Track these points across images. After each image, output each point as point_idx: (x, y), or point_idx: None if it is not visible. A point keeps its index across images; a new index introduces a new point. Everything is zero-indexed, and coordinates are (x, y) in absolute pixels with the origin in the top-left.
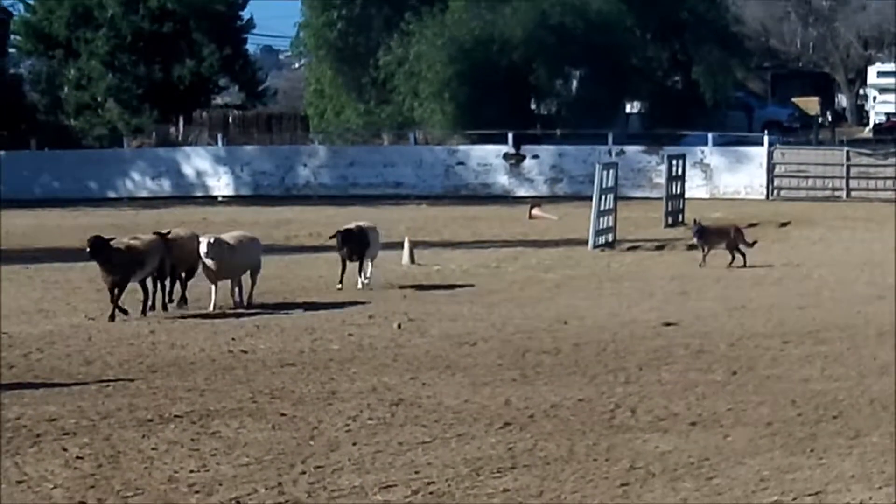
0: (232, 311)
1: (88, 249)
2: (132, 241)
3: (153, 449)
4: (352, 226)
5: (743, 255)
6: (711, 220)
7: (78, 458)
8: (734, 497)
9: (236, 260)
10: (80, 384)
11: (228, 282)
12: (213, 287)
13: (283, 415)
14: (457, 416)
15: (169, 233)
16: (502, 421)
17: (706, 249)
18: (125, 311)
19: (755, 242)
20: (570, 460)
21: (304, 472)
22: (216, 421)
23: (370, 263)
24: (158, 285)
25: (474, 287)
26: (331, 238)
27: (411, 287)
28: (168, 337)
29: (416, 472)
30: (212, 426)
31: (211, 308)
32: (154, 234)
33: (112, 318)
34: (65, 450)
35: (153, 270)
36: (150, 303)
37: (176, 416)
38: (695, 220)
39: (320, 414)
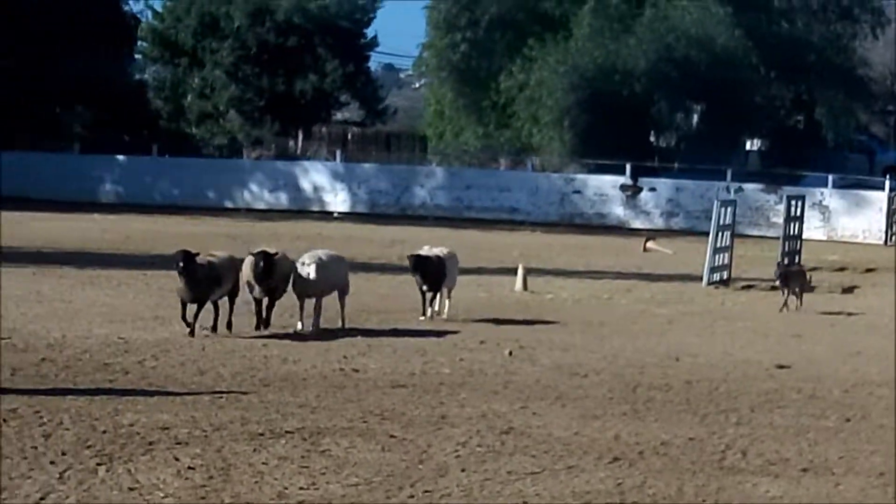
0: (341, 329)
1: (181, 263)
2: (210, 258)
3: (264, 463)
4: (429, 252)
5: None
6: (827, 263)
7: (189, 468)
8: None
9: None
10: (194, 394)
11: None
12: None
13: (392, 436)
14: (566, 448)
15: (276, 253)
16: (612, 455)
17: (787, 293)
18: (192, 331)
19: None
20: (679, 500)
21: (412, 496)
22: (327, 439)
23: (448, 295)
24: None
25: (586, 318)
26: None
27: (523, 314)
28: (280, 351)
29: (525, 503)
30: (322, 444)
31: (299, 327)
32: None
33: (192, 333)
34: (177, 459)
35: (228, 290)
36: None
37: (287, 431)
38: (778, 264)
39: (430, 438)
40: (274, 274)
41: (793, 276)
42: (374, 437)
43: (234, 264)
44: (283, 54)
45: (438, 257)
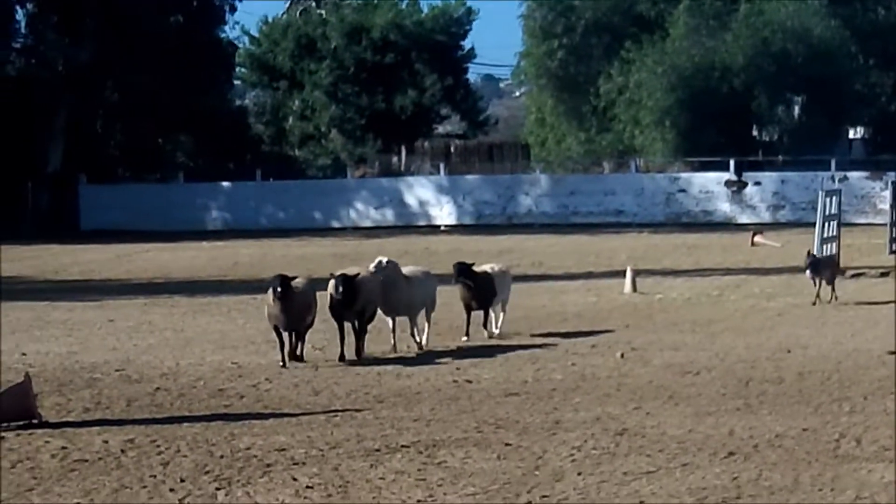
0: (454, 344)
1: (280, 289)
2: (296, 283)
3: (381, 479)
4: (480, 267)
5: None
6: None
7: (308, 487)
8: None
9: (414, 295)
10: (309, 414)
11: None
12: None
13: (507, 444)
14: (681, 446)
15: (358, 274)
16: (726, 451)
17: (819, 283)
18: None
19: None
20: (796, 490)
21: (529, 502)
22: (442, 451)
23: (501, 312)
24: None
25: (696, 316)
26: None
27: (633, 316)
28: (393, 367)
29: (641, 502)
30: (438, 456)
31: (390, 348)
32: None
33: (284, 363)
34: (295, 479)
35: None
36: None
37: (403, 445)
38: (808, 252)
39: (545, 444)
40: (358, 296)
41: (823, 266)
42: (490, 446)
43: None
44: (382, 71)
45: (486, 273)
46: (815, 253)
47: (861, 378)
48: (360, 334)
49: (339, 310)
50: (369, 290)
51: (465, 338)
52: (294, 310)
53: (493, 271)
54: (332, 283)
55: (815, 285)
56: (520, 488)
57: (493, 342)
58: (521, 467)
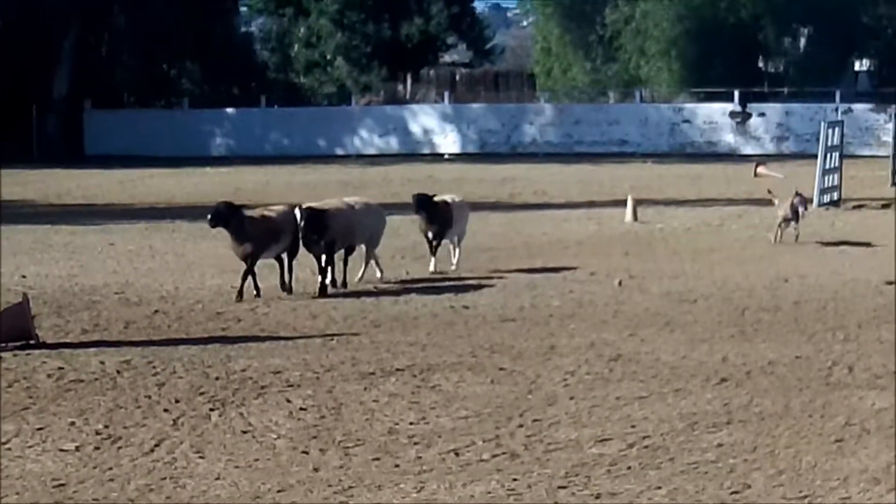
0: (454, 271)
1: (210, 217)
2: (266, 212)
3: (374, 401)
4: (437, 197)
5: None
6: None
7: (301, 409)
8: None
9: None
10: (305, 338)
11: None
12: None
13: (501, 369)
14: (674, 372)
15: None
16: (719, 377)
17: (781, 224)
18: (258, 290)
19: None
20: (786, 416)
21: (521, 426)
22: (436, 375)
23: (458, 244)
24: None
25: (696, 246)
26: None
27: (634, 245)
28: (391, 293)
29: (632, 427)
30: (432, 380)
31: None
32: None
33: (240, 295)
34: (289, 401)
35: (287, 245)
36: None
37: (397, 369)
38: (797, 192)
39: (539, 369)
40: (326, 230)
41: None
42: (484, 370)
43: (294, 217)
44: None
45: (446, 202)
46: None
47: (857, 307)
48: (322, 269)
49: (307, 242)
50: (340, 224)
51: (431, 269)
52: (245, 237)
53: (452, 202)
54: (286, 208)
55: (778, 230)
56: (512, 412)
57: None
58: (514, 391)
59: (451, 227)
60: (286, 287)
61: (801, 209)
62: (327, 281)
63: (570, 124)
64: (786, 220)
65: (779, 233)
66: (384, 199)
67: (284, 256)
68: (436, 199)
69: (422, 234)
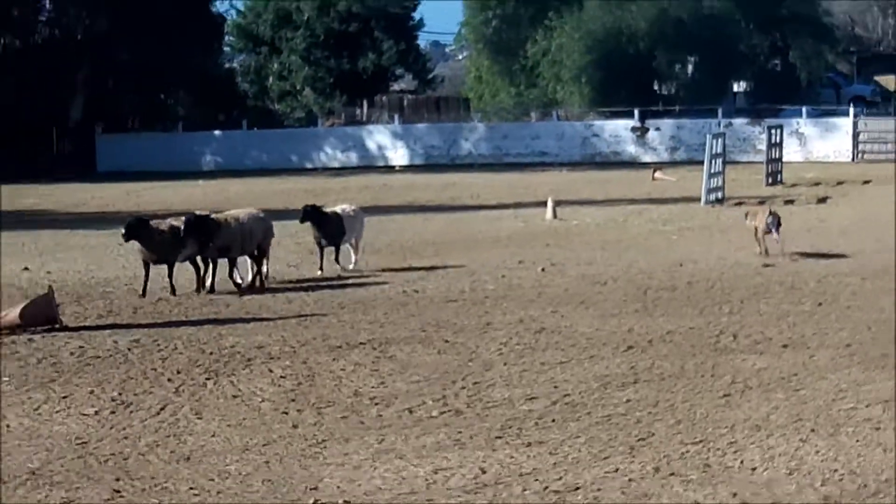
0: (352, 270)
1: (124, 231)
2: (174, 223)
3: (342, 370)
4: (338, 208)
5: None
6: (805, 181)
7: (281, 377)
8: (817, 406)
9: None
10: (283, 318)
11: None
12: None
13: (446, 342)
14: (589, 342)
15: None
16: (626, 345)
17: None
18: (173, 290)
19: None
20: (682, 376)
21: (463, 388)
22: (393, 347)
23: (351, 249)
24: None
25: (605, 238)
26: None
27: (554, 238)
28: (354, 280)
29: (555, 387)
30: (389, 351)
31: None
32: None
33: (173, 292)
34: (270, 371)
35: (194, 252)
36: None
37: (360, 343)
38: (771, 211)
39: (477, 341)
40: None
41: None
42: (432, 343)
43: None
44: (347, 38)
45: (336, 213)
46: (771, 209)
47: (740, 285)
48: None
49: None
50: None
51: (319, 271)
52: (154, 246)
53: (342, 212)
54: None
55: (761, 245)
56: (455, 377)
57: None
58: (457, 360)
59: (344, 233)
60: (199, 287)
61: (773, 230)
62: (208, 282)
63: (499, 139)
64: (766, 232)
65: (762, 244)
66: (346, 202)
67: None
68: (327, 210)
69: (314, 241)
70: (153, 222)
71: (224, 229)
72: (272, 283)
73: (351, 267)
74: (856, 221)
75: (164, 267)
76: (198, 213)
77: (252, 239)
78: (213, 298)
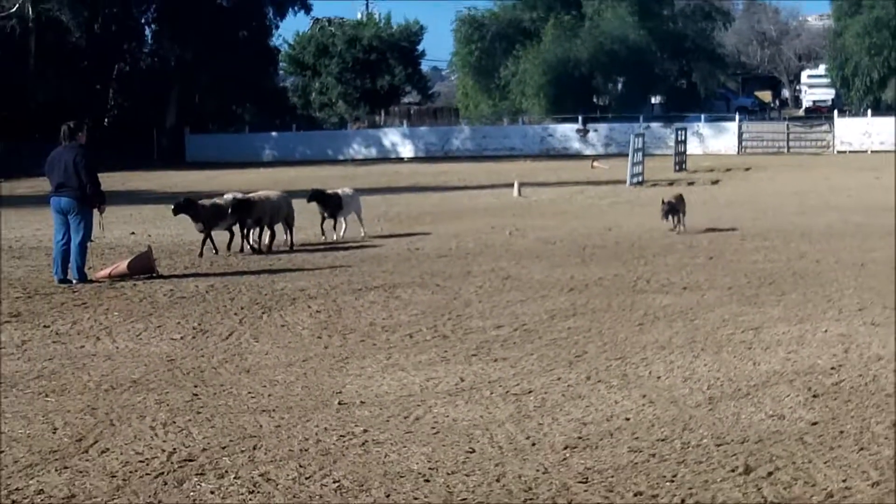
0: (364, 237)
1: (173, 207)
2: (217, 201)
3: (361, 306)
4: (330, 192)
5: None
6: (703, 168)
7: (317, 311)
8: (706, 331)
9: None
10: (319, 269)
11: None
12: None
13: (438, 285)
14: (542, 285)
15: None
16: (568, 288)
17: (675, 220)
18: (215, 250)
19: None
20: (608, 310)
21: (449, 319)
22: (399, 290)
23: (350, 222)
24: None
25: (555, 210)
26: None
27: (518, 210)
28: (371, 242)
29: (516, 318)
30: (396, 292)
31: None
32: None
33: (200, 254)
34: (309, 307)
35: (232, 223)
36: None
37: (375, 286)
38: (663, 200)
39: (460, 285)
40: (251, 210)
41: (678, 204)
42: (427, 286)
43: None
44: (369, 64)
45: (336, 193)
46: (664, 199)
47: (653, 245)
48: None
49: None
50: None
51: (323, 237)
52: (198, 218)
53: (342, 193)
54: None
55: (673, 224)
56: (444, 311)
57: (424, 227)
58: (446, 298)
59: (341, 209)
60: (242, 248)
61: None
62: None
63: (480, 138)
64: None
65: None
66: (368, 185)
67: (235, 229)
68: (330, 191)
69: (319, 214)
70: (201, 201)
71: (257, 206)
72: (308, 244)
73: (363, 235)
74: (738, 197)
75: (224, 233)
76: (238, 195)
77: (279, 213)
78: (267, 256)
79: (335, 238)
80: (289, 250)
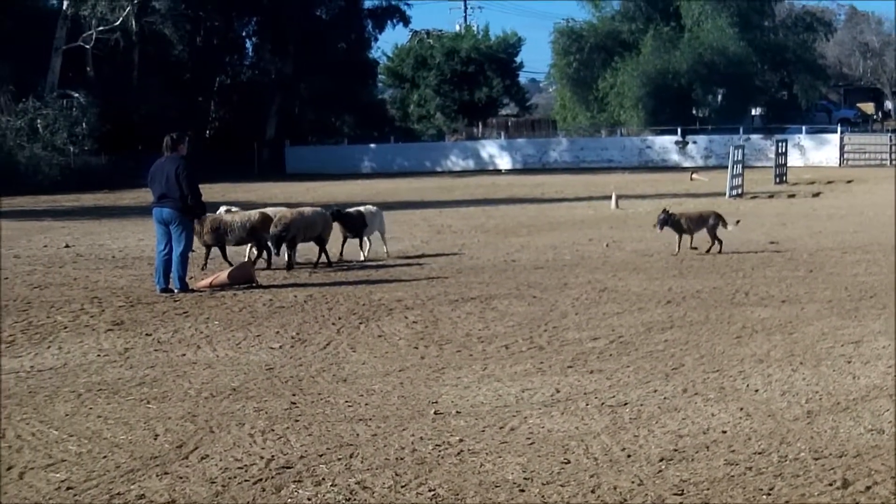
0: (386, 257)
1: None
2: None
3: (458, 317)
4: (352, 210)
5: (720, 240)
6: (804, 180)
7: (413, 322)
8: (805, 345)
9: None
10: (416, 280)
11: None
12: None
13: (534, 297)
14: (639, 298)
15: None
16: (666, 300)
17: (680, 237)
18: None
19: (738, 221)
20: (706, 323)
21: (545, 330)
22: (495, 301)
23: (368, 241)
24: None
25: (653, 222)
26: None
27: (616, 222)
28: (468, 252)
29: (612, 330)
30: (492, 304)
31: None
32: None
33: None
34: (406, 317)
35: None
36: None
37: (471, 297)
38: (664, 210)
39: (556, 296)
40: (289, 228)
41: (693, 220)
42: (524, 297)
43: (266, 220)
44: (467, 77)
45: (359, 212)
46: (666, 209)
47: (751, 256)
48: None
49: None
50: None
51: (340, 256)
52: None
53: (365, 211)
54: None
55: (677, 244)
56: (540, 322)
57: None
58: (542, 310)
59: (365, 226)
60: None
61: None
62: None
63: (578, 150)
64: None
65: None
66: (465, 197)
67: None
68: (351, 210)
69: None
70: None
71: (293, 223)
72: (404, 255)
73: (385, 253)
74: (840, 210)
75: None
76: (234, 210)
77: (313, 229)
78: (365, 267)
79: (362, 258)
80: (313, 267)
